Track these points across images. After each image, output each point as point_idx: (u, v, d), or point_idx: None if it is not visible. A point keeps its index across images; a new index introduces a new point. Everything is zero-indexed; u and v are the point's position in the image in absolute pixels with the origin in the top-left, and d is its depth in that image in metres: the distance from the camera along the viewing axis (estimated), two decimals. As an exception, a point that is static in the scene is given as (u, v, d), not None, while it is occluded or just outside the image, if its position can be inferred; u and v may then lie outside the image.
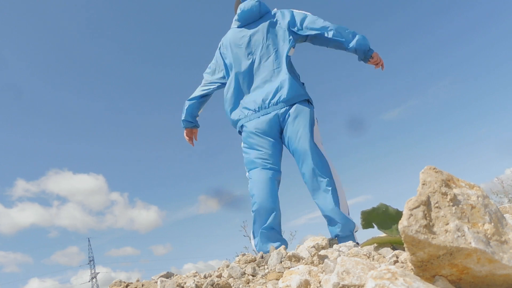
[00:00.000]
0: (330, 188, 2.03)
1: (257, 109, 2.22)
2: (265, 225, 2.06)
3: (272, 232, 2.06)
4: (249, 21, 2.39)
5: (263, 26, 2.33)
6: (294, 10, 2.36)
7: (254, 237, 2.12)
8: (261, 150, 2.20)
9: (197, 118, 2.56)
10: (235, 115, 2.31)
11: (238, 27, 2.42)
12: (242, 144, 2.30)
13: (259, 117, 2.21)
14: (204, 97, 2.49)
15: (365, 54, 2.24)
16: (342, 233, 1.97)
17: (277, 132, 2.22)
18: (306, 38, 2.32)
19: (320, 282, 1.01)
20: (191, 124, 2.55)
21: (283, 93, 2.17)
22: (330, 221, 2.01)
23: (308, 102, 2.23)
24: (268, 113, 2.19)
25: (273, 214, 2.08)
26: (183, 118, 2.51)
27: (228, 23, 2.51)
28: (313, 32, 2.25)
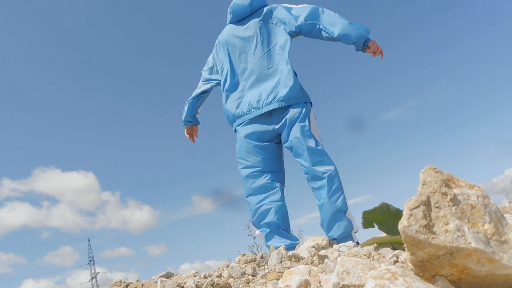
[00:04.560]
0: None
1: (251, 110, 2.17)
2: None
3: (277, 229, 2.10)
4: (241, 17, 2.34)
5: (255, 22, 2.27)
6: (285, 5, 2.29)
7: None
8: (255, 156, 2.18)
9: (197, 116, 2.57)
10: (229, 114, 2.27)
11: (230, 22, 2.39)
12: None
13: (252, 120, 2.17)
14: (203, 94, 2.48)
15: (363, 46, 2.12)
16: (339, 236, 1.96)
17: (272, 135, 2.17)
18: (300, 32, 2.23)
19: (320, 282, 1.01)
20: (191, 123, 2.57)
21: (280, 92, 2.11)
22: (327, 221, 2.00)
23: (307, 103, 2.17)
24: (261, 114, 2.14)
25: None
26: (183, 118, 2.54)
27: (224, 22, 2.49)
28: (309, 28, 2.17)
